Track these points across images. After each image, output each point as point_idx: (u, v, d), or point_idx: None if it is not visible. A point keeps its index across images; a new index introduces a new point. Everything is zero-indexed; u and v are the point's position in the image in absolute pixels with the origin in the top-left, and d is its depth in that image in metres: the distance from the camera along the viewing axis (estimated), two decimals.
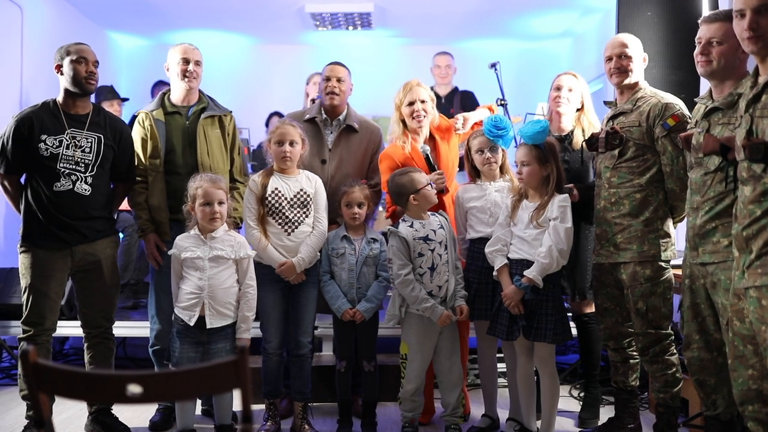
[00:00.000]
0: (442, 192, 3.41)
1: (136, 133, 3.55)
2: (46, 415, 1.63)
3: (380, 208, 4.35)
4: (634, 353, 3.25)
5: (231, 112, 3.66)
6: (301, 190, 3.36)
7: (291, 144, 3.32)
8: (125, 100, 5.83)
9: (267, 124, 6.47)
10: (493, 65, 4.97)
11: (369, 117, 3.94)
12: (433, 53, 6.14)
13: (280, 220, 3.34)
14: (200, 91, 3.63)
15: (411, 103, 3.45)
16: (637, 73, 3.17)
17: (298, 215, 3.35)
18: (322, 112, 3.68)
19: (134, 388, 1.58)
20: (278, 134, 3.33)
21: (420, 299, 3.20)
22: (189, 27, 7.15)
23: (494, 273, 3.20)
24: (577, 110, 3.57)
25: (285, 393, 3.63)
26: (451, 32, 7.24)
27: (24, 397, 3.29)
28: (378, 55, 7.70)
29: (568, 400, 3.93)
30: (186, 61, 3.50)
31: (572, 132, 3.54)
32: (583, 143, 3.42)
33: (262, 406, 3.49)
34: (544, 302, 3.10)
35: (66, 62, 3.28)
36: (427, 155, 3.45)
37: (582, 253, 3.49)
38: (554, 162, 3.16)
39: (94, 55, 3.34)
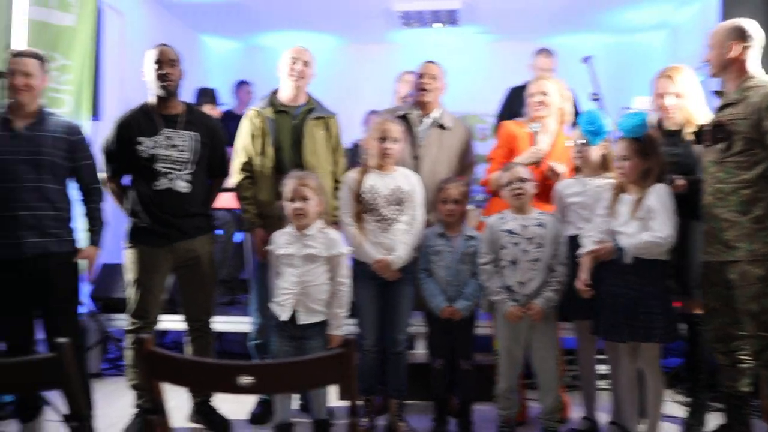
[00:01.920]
0: (537, 164, 3.49)
1: (245, 129, 3.62)
2: (162, 401, 1.67)
3: (471, 206, 4.30)
4: (746, 357, 3.08)
5: (336, 115, 3.72)
6: (398, 187, 3.35)
7: (394, 141, 3.32)
8: (222, 105, 6.02)
9: (365, 123, 6.51)
10: (586, 59, 4.84)
11: (456, 115, 3.91)
12: (522, 48, 5.97)
13: (375, 217, 3.34)
14: (308, 93, 3.69)
15: (532, 95, 3.62)
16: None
17: (394, 212, 3.34)
18: (415, 109, 3.67)
19: (244, 379, 1.60)
20: (381, 130, 3.33)
21: (492, 291, 3.21)
22: (278, 29, 7.29)
23: (580, 252, 3.12)
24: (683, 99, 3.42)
25: (379, 390, 3.62)
26: (540, 27, 7.09)
27: (133, 387, 3.41)
28: (465, 52, 7.62)
29: (672, 405, 3.77)
30: (294, 61, 3.58)
31: (683, 126, 3.39)
32: (692, 136, 3.28)
33: (360, 403, 3.49)
34: (650, 300, 2.98)
35: (148, 65, 3.37)
36: (535, 131, 3.56)
37: (690, 249, 3.33)
38: (655, 154, 3.05)
39: (169, 55, 3.37)
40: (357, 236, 3.32)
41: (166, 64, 3.35)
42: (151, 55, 3.36)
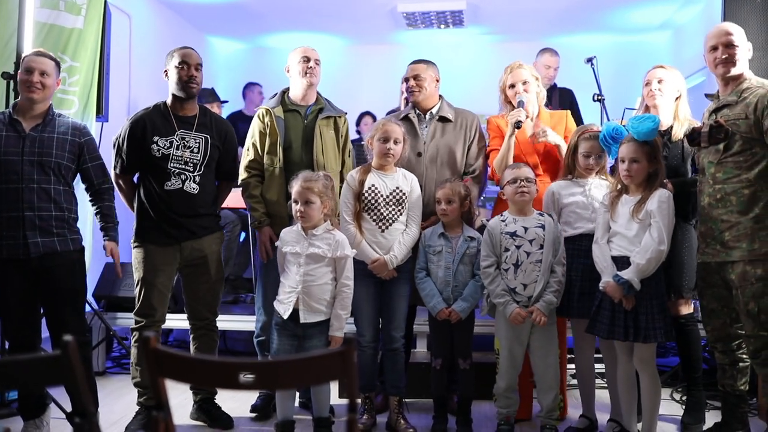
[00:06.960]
0: (518, 126, 3.46)
1: (255, 128, 3.66)
2: (165, 398, 1.72)
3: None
4: (744, 356, 3.11)
5: (346, 114, 3.76)
6: (398, 188, 3.40)
7: (395, 142, 3.37)
8: (224, 102, 6.03)
9: (357, 124, 6.55)
10: (590, 60, 4.86)
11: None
12: (526, 49, 5.99)
13: (374, 217, 3.38)
14: (318, 93, 3.74)
15: (512, 86, 3.59)
16: (743, 63, 3.04)
17: (393, 213, 3.38)
18: (415, 109, 3.72)
19: (247, 376, 1.64)
20: (383, 131, 3.38)
21: (496, 294, 3.23)
22: (284, 29, 7.34)
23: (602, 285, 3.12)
24: (676, 99, 3.44)
25: (380, 388, 3.67)
26: (544, 27, 7.13)
27: (136, 384, 3.45)
28: (471, 52, 7.67)
29: (670, 404, 3.81)
30: (306, 60, 3.62)
31: (671, 126, 3.42)
32: (684, 138, 3.31)
33: (358, 400, 3.53)
34: (648, 301, 3.01)
35: (171, 66, 3.41)
36: (520, 101, 3.53)
37: (678, 250, 3.34)
38: (660, 158, 3.08)
39: (196, 59, 3.43)
40: (356, 235, 3.36)
41: (193, 67, 3.41)
42: (176, 57, 3.40)
